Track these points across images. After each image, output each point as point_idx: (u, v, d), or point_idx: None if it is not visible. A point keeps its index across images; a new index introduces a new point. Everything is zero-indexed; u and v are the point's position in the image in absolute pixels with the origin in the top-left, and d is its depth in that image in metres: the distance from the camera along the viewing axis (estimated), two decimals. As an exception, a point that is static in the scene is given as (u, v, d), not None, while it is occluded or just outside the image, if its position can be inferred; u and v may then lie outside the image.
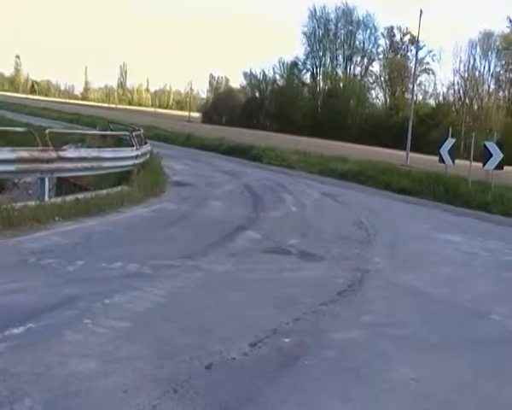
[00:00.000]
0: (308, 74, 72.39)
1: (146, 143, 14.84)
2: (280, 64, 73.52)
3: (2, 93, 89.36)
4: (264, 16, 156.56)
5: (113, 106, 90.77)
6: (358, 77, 69.11)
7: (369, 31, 68.41)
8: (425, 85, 63.02)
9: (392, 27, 67.47)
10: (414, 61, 44.09)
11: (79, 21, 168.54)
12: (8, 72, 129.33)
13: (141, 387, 3.27)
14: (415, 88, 44.54)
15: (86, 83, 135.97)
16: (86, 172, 10.51)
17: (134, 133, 13.69)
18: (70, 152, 10.06)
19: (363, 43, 68.77)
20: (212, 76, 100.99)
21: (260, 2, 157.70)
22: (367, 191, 15.32)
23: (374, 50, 68.83)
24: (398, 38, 67.84)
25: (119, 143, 15.07)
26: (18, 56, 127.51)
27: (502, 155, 14.53)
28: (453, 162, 16.50)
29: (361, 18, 67.91)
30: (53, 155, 8.81)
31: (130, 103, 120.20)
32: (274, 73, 74.22)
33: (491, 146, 14.93)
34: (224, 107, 75.28)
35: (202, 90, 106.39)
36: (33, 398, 3.03)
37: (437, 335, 4.76)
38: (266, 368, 3.71)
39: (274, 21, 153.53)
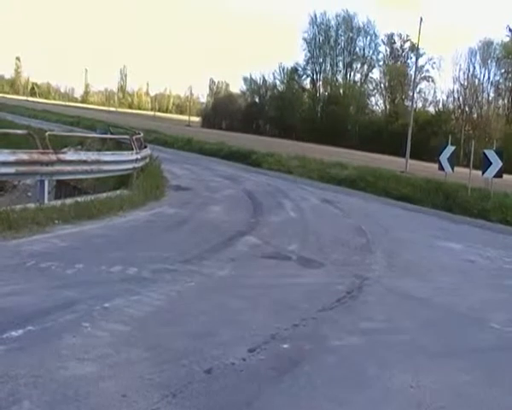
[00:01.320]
0: (308, 80, 72.63)
1: (146, 146, 14.86)
2: (280, 69, 73.75)
3: (3, 95, 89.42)
4: (265, 22, 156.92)
5: (112, 109, 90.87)
6: (358, 83, 69.28)
7: (369, 37, 68.69)
8: (425, 93, 63.18)
9: (392, 34, 67.73)
10: (414, 69, 44.20)
11: (80, 24, 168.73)
12: (9, 74, 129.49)
13: (140, 391, 3.26)
14: (414, 95, 44.62)
15: (86, 86, 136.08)
16: (86, 176, 10.55)
17: (134, 137, 13.70)
18: (70, 155, 10.06)
19: (364, 49, 69.05)
20: (212, 81, 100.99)
21: (261, 8, 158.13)
22: (366, 198, 15.33)
23: (374, 57, 69.08)
24: (398, 45, 68.09)
25: (119, 146, 15.11)
26: (18, 58, 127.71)
27: (501, 163, 14.55)
28: (452, 170, 16.52)
29: (361, 25, 68.22)
30: (53, 157, 8.82)
31: (130, 107, 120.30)
32: (274, 78, 74.48)
33: (491, 154, 14.96)
34: (224, 111, 75.40)
35: (202, 95, 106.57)
36: (32, 401, 3.03)
37: (436, 342, 4.76)
38: (265, 374, 3.70)
39: (274, 27, 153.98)
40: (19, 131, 12.14)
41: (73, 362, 3.54)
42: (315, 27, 70.54)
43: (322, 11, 78.66)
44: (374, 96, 68.70)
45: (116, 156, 11.55)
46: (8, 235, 6.74)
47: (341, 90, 68.56)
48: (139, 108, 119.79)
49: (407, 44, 66.07)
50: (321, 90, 71.02)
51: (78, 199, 9.08)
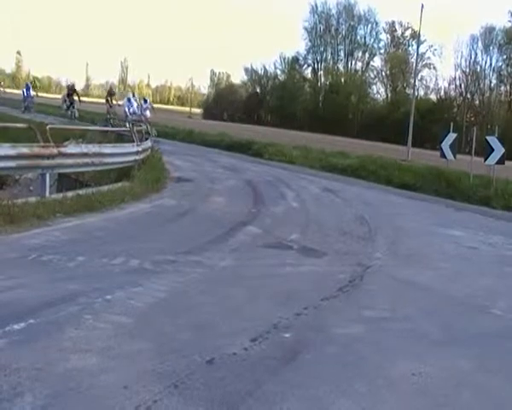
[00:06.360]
0: (309, 69, 72.54)
1: (147, 138, 14.85)
2: (281, 59, 73.70)
3: (4, 90, 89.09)
4: (265, 11, 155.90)
5: (114, 102, 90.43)
6: (359, 72, 69.10)
7: (370, 26, 68.44)
8: (426, 80, 63.05)
9: (393, 22, 67.45)
10: (415, 56, 44.01)
11: (80, 17, 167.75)
12: (9, 68, 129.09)
13: (142, 382, 3.27)
14: (416, 83, 44.40)
15: (87, 79, 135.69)
16: (87, 168, 10.54)
17: (135, 129, 13.69)
18: (71, 148, 10.06)
19: (365, 38, 68.82)
20: (212, 72, 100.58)
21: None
22: (368, 186, 15.30)
23: (375, 45, 68.88)
24: (399, 32, 67.82)
25: (120, 138, 15.09)
26: (19, 53, 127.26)
27: (503, 150, 14.50)
28: (454, 157, 16.47)
29: (362, 13, 67.97)
30: (54, 151, 8.82)
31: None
32: (275, 68, 74.43)
33: (493, 141, 14.89)
34: (226, 102, 75.32)
35: (203, 86, 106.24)
36: (34, 393, 3.03)
37: (438, 329, 4.76)
38: (267, 363, 3.70)
39: (275, 17, 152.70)
40: (20, 125, 12.13)
41: (75, 355, 3.54)
42: (316, 16, 70.39)
43: (323, 0, 78.18)
44: (375, 84, 68.66)
45: (117, 149, 11.56)
46: (10, 229, 6.74)
47: (342, 79, 68.39)
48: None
49: (408, 32, 65.86)
50: (322, 80, 70.92)
51: (80, 192, 9.07)
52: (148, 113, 22.52)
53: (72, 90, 29.86)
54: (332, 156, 20.33)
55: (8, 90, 47.06)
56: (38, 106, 35.45)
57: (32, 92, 36.02)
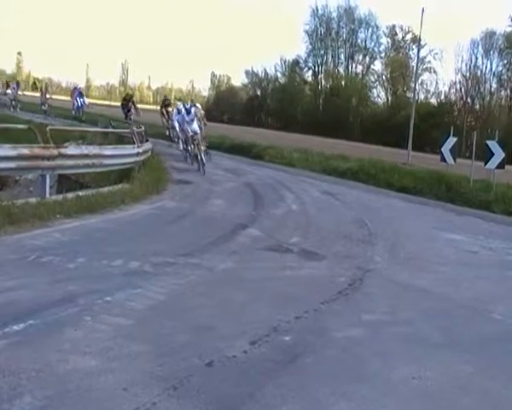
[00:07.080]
0: (310, 72, 72.30)
1: (147, 140, 14.84)
2: (281, 62, 73.45)
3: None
4: (266, 14, 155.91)
5: (114, 103, 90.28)
6: (360, 75, 68.95)
7: (370, 29, 68.19)
8: (427, 84, 62.81)
9: (393, 26, 67.18)
10: (416, 60, 44.04)
11: (81, 18, 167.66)
12: (10, 69, 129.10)
13: (141, 384, 3.26)
14: (416, 87, 44.38)
15: (88, 80, 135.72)
16: (87, 170, 10.54)
17: (135, 131, 13.68)
18: (71, 149, 10.05)
19: (365, 41, 68.55)
20: (213, 74, 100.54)
21: (262, 0, 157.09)
22: (368, 190, 15.27)
23: (375, 49, 68.56)
24: (399, 36, 67.58)
25: (121, 140, 15.08)
26: (20, 53, 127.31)
27: (503, 154, 14.46)
28: (454, 161, 16.43)
29: (363, 16, 67.70)
30: (54, 152, 8.81)
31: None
32: (275, 71, 74.17)
33: (493, 145, 14.87)
34: (226, 105, 75.21)
35: (204, 88, 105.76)
36: (33, 394, 3.03)
37: (438, 333, 4.75)
38: (266, 366, 3.70)
39: (276, 19, 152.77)
40: (20, 126, 12.12)
41: (75, 356, 3.54)
42: (316, 19, 70.16)
43: (324, 3, 78.36)
44: (375, 88, 68.43)
45: (118, 150, 11.55)
46: (10, 229, 6.74)
47: (343, 83, 68.34)
48: (141, 102, 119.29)
49: (409, 36, 65.54)
50: (322, 83, 70.75)
51: (80, 193, 9.07)
52: (195, 127, 15.57)
53: (127, 100, 24.87)
54: (332, 159, 20.26)
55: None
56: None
57: (86, 100, 29.72)
